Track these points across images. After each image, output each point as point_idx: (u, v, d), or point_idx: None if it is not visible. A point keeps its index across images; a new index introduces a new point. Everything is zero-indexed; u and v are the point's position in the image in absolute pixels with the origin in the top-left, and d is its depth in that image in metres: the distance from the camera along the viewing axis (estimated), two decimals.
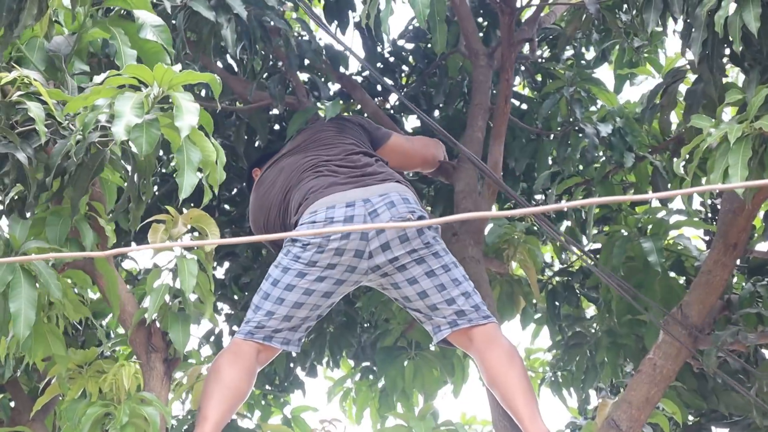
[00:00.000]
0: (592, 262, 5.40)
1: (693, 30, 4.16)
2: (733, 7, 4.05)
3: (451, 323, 4.58)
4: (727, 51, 4.38)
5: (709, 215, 5.75)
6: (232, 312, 6.42)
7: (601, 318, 5.97)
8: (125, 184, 3.94)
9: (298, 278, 4.49)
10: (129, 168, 3.84)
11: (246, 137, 6.05)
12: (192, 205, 5.28)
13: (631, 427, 4.82)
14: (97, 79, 3.76)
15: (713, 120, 4.16)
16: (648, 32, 4.25)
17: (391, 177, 4.75)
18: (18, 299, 3.74)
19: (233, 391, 4.43)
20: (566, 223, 6.46)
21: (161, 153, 5.85)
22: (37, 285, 3.85)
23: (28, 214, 4.03)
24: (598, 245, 5.97)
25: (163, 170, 6.18)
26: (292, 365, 6.68)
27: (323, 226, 4.55)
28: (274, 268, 4.56)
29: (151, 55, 4.34)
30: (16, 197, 4.07)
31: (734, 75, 5.42)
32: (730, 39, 4.05)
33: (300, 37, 5.62)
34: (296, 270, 4.49)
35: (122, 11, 4.44)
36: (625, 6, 4.72)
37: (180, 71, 3.69)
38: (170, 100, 3.66)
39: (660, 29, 4.28)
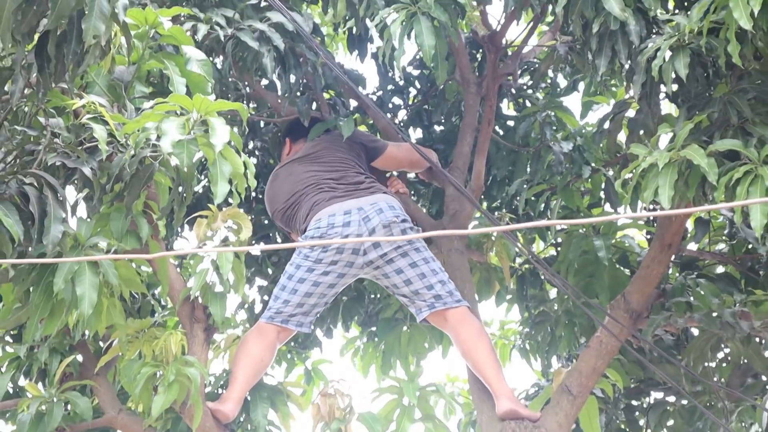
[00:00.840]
0: (545, 268, 5.40)
1: (635, 74, 4.17)
2: (668, 55, 4.05)
3: (429, 305, 4.71)
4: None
5: (651, 219, 5.73)
6: (265, 284, 6.44)
7: (560, 300, 6.00)
8: None
9: (307, 273, 4.68)
10: (174, 178, 3.88)
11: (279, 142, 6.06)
12: (230, 202, 5.28)
13: (581, 392, 4.82)
14: (147, 106, 3.79)
15: (648, 148, 4.17)
16: (599, 75, 4.25)
17: (378, 190, 4.98)
18: (83, 284, 3.78)
19: (257, 360, 4.62)
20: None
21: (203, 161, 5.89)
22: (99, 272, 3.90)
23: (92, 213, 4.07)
24: (560, 240, 6.00)
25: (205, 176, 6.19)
26: (312, 327, 6.69)
27: (326, 231, 4.70)
28: (289, 265, 4.75)
29: (196, 83, 4.36)
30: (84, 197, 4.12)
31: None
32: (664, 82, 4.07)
33: (324, 65, 5.63)
34: (306, 266, 4.68)
35: (172, 47, 4.47)
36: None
37: (214, 100, 3.71)
38: (206, 124, 3.70)
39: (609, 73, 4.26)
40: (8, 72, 3.82)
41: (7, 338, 5.41)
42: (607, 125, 5.16)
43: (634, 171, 4.13)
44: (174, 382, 4.29)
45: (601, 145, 5.62)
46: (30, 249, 3.66)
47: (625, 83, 4.45)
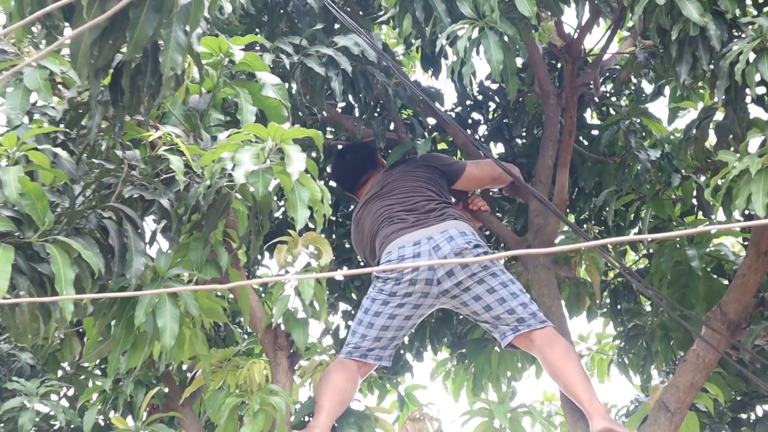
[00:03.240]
0: (638, 279, 5.35)
1: (717, 79, 4.16)
2: (751, 57, 4.03)
3: (513, 329, 4.72)
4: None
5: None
6: (349, 308, 6.53)
7: (655, 313, 5.97)
8: None
9: (383, 306, 4.77)
10: (251, 206, 3.97)
11: None
12: (311, 227, 5.38)
13: (679, 408, 4.78)
14: (222, 136, 3.89)
15: (737, 154, 4.15)
16: (681, 82, 4.24)
17: (450, 216, 4.97)
18: (163, 316, 3.88)
19: (341, 390, 4.71)
20: (632, 231, 6.42)
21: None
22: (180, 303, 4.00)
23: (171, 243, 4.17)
24: (652, 251, 5.97)
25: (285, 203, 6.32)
26: (401, 351, 6.79)
27: (398, 263, 4.74)
28: (365, 300, 4.87)
29: (272, 108, 4.47)
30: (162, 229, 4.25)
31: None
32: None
33: (398, 84, 5.71)
34: (381, 300, 4.78)
35: (246, 74, 4.58)
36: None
37: (289, 128, 3.79)
38: (282, 152, 3.78)
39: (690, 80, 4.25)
40: (85, 107, 3.97)
41: (96, 372, 5.60)
42: (693, 132, 5.12)
43: (724, 178, 4.11)
44: (259, 412, 4.39)
45: (689, 152, 5.59)
46: (110, 282, 3.77)
47: (708, 89, 4.41)
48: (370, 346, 4.85)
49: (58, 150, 3.64)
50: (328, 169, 6.22)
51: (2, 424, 5.58)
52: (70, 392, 5.90)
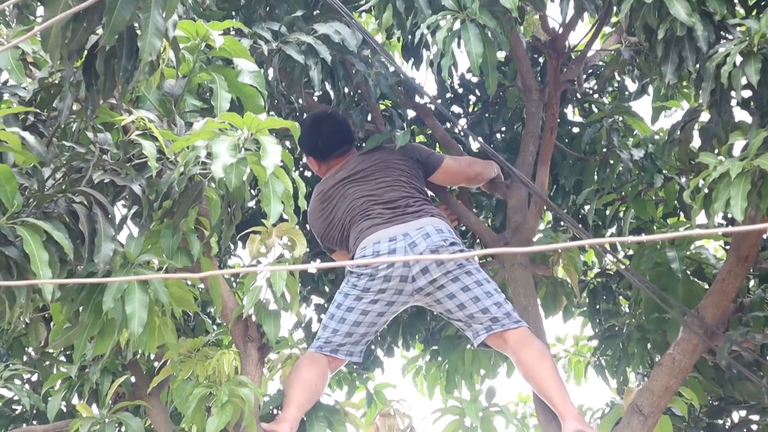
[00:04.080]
0: (624, 267, 5.38)
1: (703, 81, 4.18)
2: (738, 60, 4.06)
3: (486, 328, 4.76)
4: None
5: (728, 227, 5.70)
6: (322, 302, 6.54)
7: (632, 315, 6.01)
8: None
9: (356, 302, 4.79)
10: (223, 196, 3.96)
11: None
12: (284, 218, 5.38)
13: (652, 412, 4.82)
14: (197, 125, 3.88)
15: (719, 158, 4.19)
16: (666, 83, 4.26)
17: (426, 213, 5.00)
18: (132, 303, 3.87)
19: (311, 385, 4.74)
20: (611, 230, 6.45)
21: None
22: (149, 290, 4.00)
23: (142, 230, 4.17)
24: (631, 252, 6.00)
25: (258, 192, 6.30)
26: (372, 347, 6.80)
27: (371, 259, 4.77)
28: (338, 294, 4.90)
29: (249, 96, 4.47)
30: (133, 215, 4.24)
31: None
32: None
33: (378, 75, 5.71)
34: (354, 295, 4.80)
35: (223, 60, 4.57)
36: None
37: (265, 119, 3.78)
38: (257, 142, 3.77)
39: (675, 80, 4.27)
40: (57, 88, 3.96)
41: (62, 358, 5.58)
42: (678, 134, 5.15)
43: (704, 180, 4.14)
44: (227, 403, 4.38)
45: (673, 154, 5.61)
46: (79, 268, 3.76)
47: (693, 90, 4.44)
48: (342, 342, 4.87)
49: (27, 133, 3.62)
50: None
51: None
52: (34, 378, 5.88)
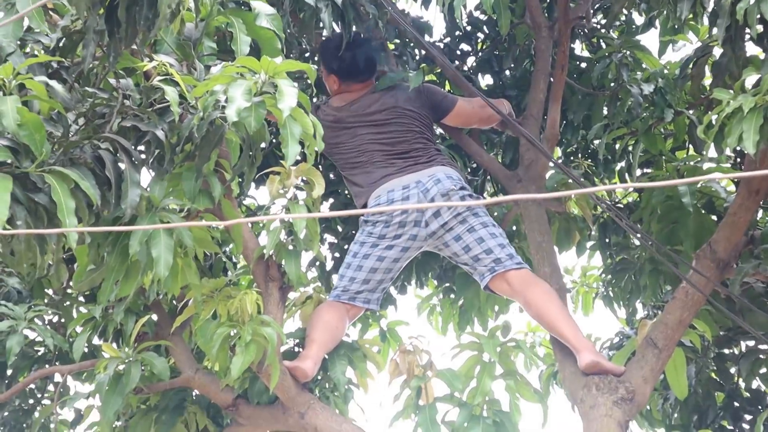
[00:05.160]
0: (620, 217, 5.41)
1: (718, 17, 4.22)
2: None
3: (490, 269, 4.89)
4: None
5: (738, 161, 5.76)
6: (336, 241, 6.61)
7: (644, 248, 6.07)
8: None
9: (371, 248, 4.94)
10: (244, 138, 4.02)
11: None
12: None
13: (667, 345, 4.88)
14: (215, 69, 3.93)
15: (732, 92, 4.23)
16: (681, 19, 4.29)
17: (437, 162, 5.17)
18: (158, 246, 3.95)
19: (333, 327, 4.89)
20: (620, 164, 6.50)
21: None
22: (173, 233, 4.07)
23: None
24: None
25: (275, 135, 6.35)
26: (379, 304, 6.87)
27: (386, 206, 4.88)
28: (353, 244, 5.07)
29: (266, 39, 4.50)
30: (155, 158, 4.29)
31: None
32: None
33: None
34: (370, 242, 4.95)
35: (241, 2, 4.59)
36: None
37: (281, 62, 3.83)
38: (275, 85, 3.82)
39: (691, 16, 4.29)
40: (79, 35, 4.00)
41: (81, 299, 5.68)
42: (689, 70, 5.18)
43: (717, 115, 4.20)
44: (251, 342, 4.48)
45: (685, 89, 5.65)
46: (106, 213, 3.83)
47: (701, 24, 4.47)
48: (359, 289, 5.03)
49: (53, 81, 3.67)
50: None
51: None
52: (55, 319, 5.97)
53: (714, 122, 4.28)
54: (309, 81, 4.21)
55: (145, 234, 3.92)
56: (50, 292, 5.81)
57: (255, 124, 3.72)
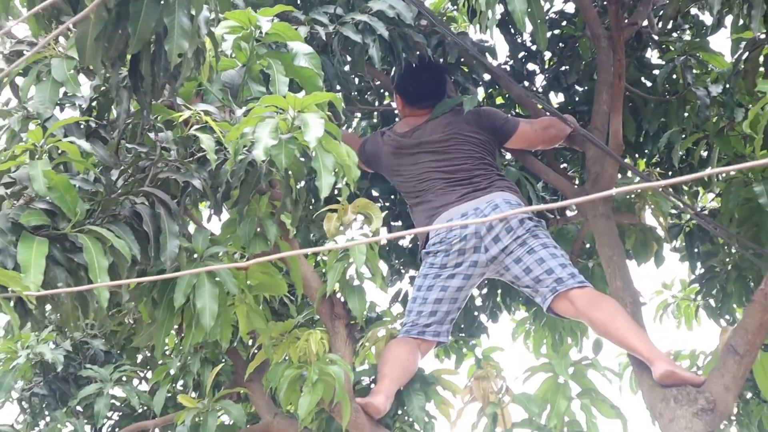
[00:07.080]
0: (695, 212, 5.27)
1: (753, 9, 4.08)
2: None
3: (552, 290, 4.77)
4: None
5: None
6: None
7: (727, 254, 5.89)
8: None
9: (434, 279, 4.92)
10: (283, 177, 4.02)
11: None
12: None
13: (748, 350, 4.68)
14: (239, 113, 3.96)
15: None
16: (714, 15, 4.16)
17: (497, 188, 5.11)
18: (203, 297, 3.97)
19: (402, 360, 4.88)
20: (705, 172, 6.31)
21: None
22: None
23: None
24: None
25: None
26: (476, 313, 6.82)
27: (445, 236, 4.94)
28: (417, 277, 5.09)
29: (306, 78, 4.50)
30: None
31: None
32: None
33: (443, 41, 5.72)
34: (432, 274, 4.93)
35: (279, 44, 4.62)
36: None
37: (305, 95, 3.83)
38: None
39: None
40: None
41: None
42: (742, 65, 5.01)
43: (762, 110, 4.04)
44: (318, 382, 4.47)
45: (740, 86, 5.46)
46: (149, 267, 3.88)
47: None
48: (427, 322, 5.00)
49: (84, 141, 3.74)
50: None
51: (81, 410, 5.79)
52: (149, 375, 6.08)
53: (760, 116, 4.12)
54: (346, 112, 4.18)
55: (189, 285, 3.94)
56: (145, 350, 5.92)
57: (285, 161, 3.72)
